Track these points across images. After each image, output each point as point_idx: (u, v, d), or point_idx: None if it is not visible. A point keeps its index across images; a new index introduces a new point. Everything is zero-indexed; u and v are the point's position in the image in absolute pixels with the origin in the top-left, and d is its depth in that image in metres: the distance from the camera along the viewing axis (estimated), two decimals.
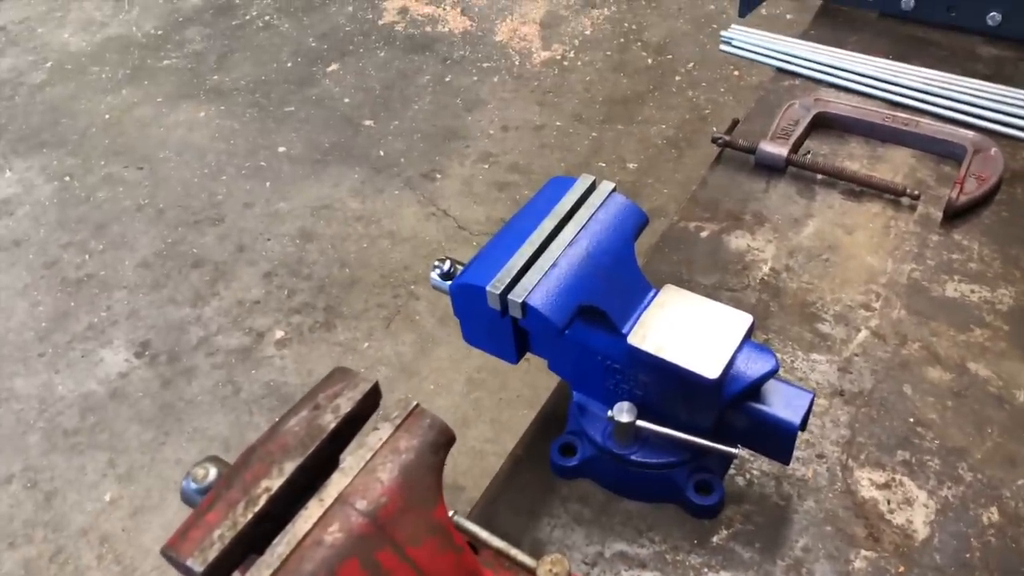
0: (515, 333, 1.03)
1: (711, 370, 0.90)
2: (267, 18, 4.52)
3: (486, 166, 3.58)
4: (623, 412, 0.97)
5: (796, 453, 1.07)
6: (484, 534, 0.86)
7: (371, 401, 0.78)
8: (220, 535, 0.67)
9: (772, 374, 0.93)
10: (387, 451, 0.73)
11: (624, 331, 0.96)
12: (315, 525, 0.68)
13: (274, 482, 0.71)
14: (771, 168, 1.46)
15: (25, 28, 4.58)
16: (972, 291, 1.26)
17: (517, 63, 4.12)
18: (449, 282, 1.04)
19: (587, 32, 4.28)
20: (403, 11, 4.51)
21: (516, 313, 0.93)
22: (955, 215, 1.35)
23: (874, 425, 1.11)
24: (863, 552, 0.99)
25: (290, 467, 0.71)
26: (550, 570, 0.80)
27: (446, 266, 1.08)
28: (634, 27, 4.29)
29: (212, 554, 0.66)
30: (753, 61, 1.72)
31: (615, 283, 0.98)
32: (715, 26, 4.20)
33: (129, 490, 2.57)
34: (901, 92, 1.56)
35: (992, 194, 1.38)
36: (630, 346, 0.94)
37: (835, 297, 1.26)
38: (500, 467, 1.10)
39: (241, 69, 4.18)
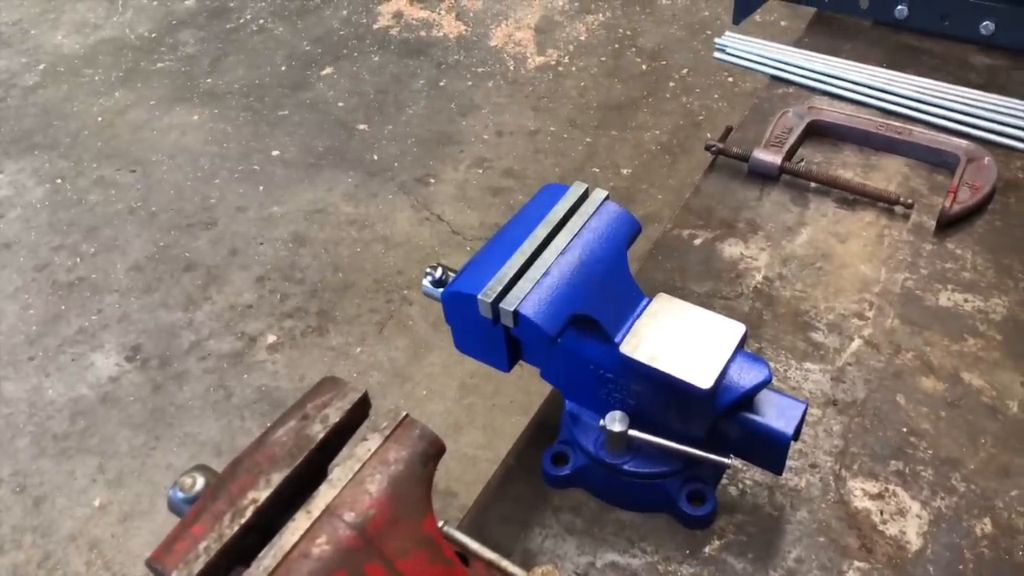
0: (507, 341, 1.02)
1: (704, 380, 0.90)
2: (261, 22, 4.51)
3: (480, 171, 3.58)
4: (615, 421, 0.97)
5: (789, 463, 1.07)
6: (474, 545, 0.85)
7: (360, 411, 0.77)
8: (206, 547, 0.66)
9: (765, 384, 0.93)
10: (376, 462, 0.72)
11: (617, 340, 0.95)
12: (302, 537, 0.67)
13: (261, 493, 0.70)
14: (765, 176, 1.45)
15: (18, 30, 4.57)
16: (966, 300, 1.26)
17: (512, 68, 4.12)
18: (441, 289, 1.03)
19: (582, 38, 4.28)
20: (397, 15, 4.50)
21: (508, 322, 0.92)
22: (948, 224, 1.35)
23: (867, 435, 1.10)
24: (856, 563, 0.98)
25: (277, 478, 0.71)
26: None
27: (438, 273, 1.07)
28: (628, 33, 4.30)
29: (197, 567, 0.65)
30: (747, 69, 1.72)
31: (608, 292, 0.97)
32: (709, 32, 4.21)
33: (119, 495, 2.56)
34: (895, 101, 1.56)
35: (985, 203, 1.38)
36: (623, 355, 0.94)
37: (828, 306, 1.26)
38: (491, 476, 1.10)
39: (235, 72, 4.17)
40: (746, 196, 1.44)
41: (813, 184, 1.44)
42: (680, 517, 1.01)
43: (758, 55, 1.71)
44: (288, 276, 3.18)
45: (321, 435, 0.73)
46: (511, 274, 0.94)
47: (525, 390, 2.73)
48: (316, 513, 0.69)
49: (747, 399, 0.94)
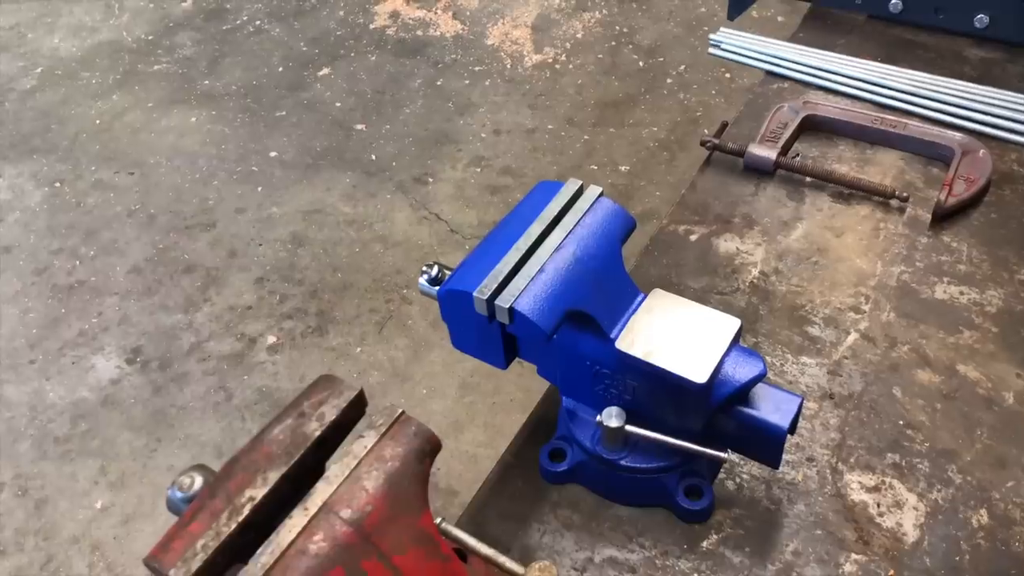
0: (503, 339, 1.02)
1: (699, 375, 0.90)
2: (258, 23, 4.51)
3: (478, 169, 3.58)
4: (612, 417, 0.97)
5: (786, 457, 1.07)
6: (472, 541, 0.85)
7: (356, 409, 0.77)
8: (203, 545, 0.67)
9: (760, 378, 0.93)
10: (372, 459, 0.72)
11: (612, 336, 0.96)
12: (299, 534, 0.68)
13: (258, 491, 0.70)
14: (760, 171, 1.46)
15: (15, 34, 4.57)
16: (961, 293, 1.26)
17: (509, 66, 4.12)
18: (437, 287, 1.04)
19: (578, 35, 4.28)
20: (394, 15, 4.51)
21: (503, 319, 0.92)
22: (944, 217, 1.35)
23: (864, 428, 1.10)
24: (853, 555, 0.98)
25: (274, 476, 0.71)
26: None
27: (434, 271, 1.07)
28: (625, 30, 4.30)
29: (195, 564, 0.66)
30: (742, 64, 1.72)
31: (603, 288, 0.98)
32: (706, 29, 4.20)
33: (120, 497, 2.56)
34: (889, 94, 1.56)
35: (981, 196, 1.38)
36: (618, 351, 0.94)
37: (824, 300, 1.26)
38: (489, 473, 1.10)
39: (232, 74, 4.17)
40: (742, 191, 1.44)
41: (808, 179, 1.44)
42: (678, 511, 1.02)
43: (753, 50, 1.71)
44: (287, 277, 3.18)
45: (317, 433, 0.74)
46: (506, 271, 0.94)
47: (525, 388, 2.74)
48: (313, 510, 0.69)
49: (743, 393, 0.94)
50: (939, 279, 1.28)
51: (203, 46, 4.38)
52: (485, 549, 0.85)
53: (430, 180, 3.54)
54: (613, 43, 4.22)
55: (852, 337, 1.21)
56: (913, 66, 1.62)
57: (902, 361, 1.18)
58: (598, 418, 0.98)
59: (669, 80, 3.98)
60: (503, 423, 2.69)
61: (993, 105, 1.51)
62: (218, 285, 3.17)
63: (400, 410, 0.76)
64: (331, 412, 0.75)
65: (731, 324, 0.95)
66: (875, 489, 1.04)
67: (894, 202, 1.39)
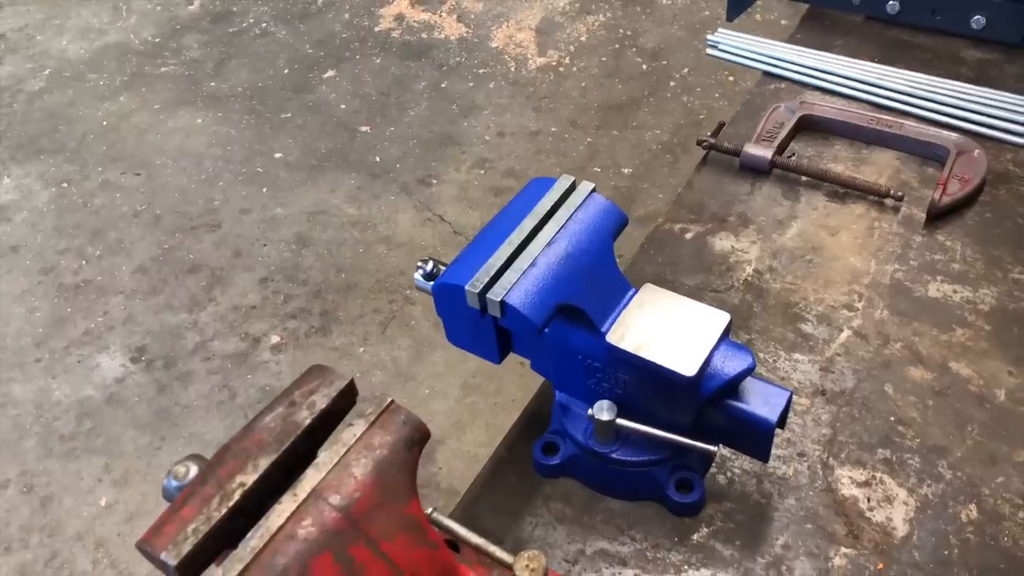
0: (497, 333, 1.03)
1: (688, 368, 0.91)
2: (264, 25, 4.54)
3: (482, 171, 3.60)
4: (603, 410, 0.98)
5: (777, 452, 1.08)
6: (463, 531, 0.86)
7: (347, 398, 0.78)
8: (194, 529, 0.68)
9: (749, 372, 0.94)
10: (361, 447, 0.74)
11: (603, 330, 0.97)
12: (288, 519, 0.69)
13: (248, 477, 0.71)
14: (756, 170, 1.47)
15: (24, 36, 4.61)
16: (955, 291, 1.27)
17: (513, 69, 4.14)
18: (432, 282, 1.05)
19: (582, 38, 4.30)
20: (399, 18, 4.53)
21: (495, 312, 0.93)
22: (938, 216, 1.36)
23: (855, 424, 1.11)
24: (843, 549, 0.99)
25: (265, 463, 0.72)
26: (527, 566, 0.81)
27: (429, 267, 1.09)
28: (629, 33, 4.31)
29: (186, 548, 0.67)
30: (739, 65, 1.73)
31: (594, 282, 0.99)
32: (710, 32, 4.21)
33: (125, 495, 2.58)
34: (886, 95, 1.57)
35: (975, 195, 1.39)
36: (609, 345, 0.95)
37: (818, 297, 1.27)
38: (483, 467, 1.11)
39: (238, 76, 4.20)
40: (737, 190, 1.45)
41: (804, 178, 1.45)
42: (669, 505, 1.03)
43: (750, 51, 1.72)
44: (291, 277, 3.20)
45: (308, 421, 0.75)
46: (498, 265, 0.95)
47: (527, 388, 2.74)
48: (302, 496, 0.70)
49: (732, 387, 0.95)
50: (933, 277, 1.29)
51: (209, 48, 4.41)
52: (475, 539, 0.86)
53: (434, 182, 3.56)
54: (617, 46, 4.24)
55: (845, 334, 1.22)
56: (910, 67, 1.63)
57: (894, 358, 1.18)
58: (589, 411, 0.99)
59: (672, 83, 3.99)
60: (504, 423, 2.69)
61: (989, 105, 1.51)
62: (223, 285, 3.19)
63: (390, 399, 0.77)
64: (322, 401, 0.76)
65: (721, 318, 0.96)
66: (866, 484, 1.05)
67: (889, 201, 1.40)
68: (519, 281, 0.94)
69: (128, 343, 3.00)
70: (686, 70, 4.04)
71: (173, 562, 0.67)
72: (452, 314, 1.04)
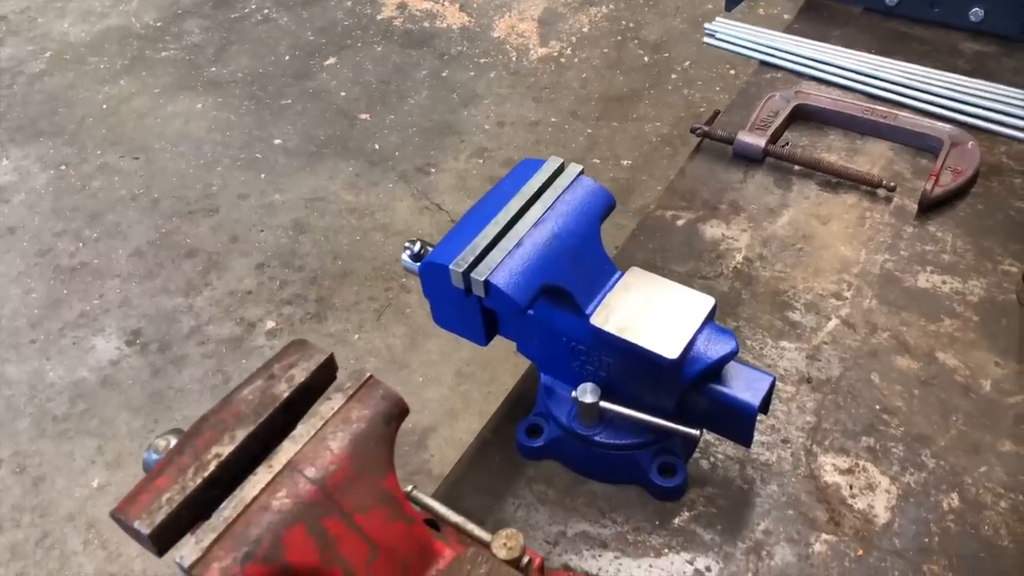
0: (482, 314, 1.03)
1: (671, 350, 0.91)
2: (266, 11, 4.53)
3: (481, 161, 3.59)
4: (587, 393, 0.98)
5: (761, 438, 1.08)
6: (441, 508, 0.86)
7: (326, 373, 0.78)
8: (168, 499, 0.68)
9: (732, 356, 0.94)
10: (338, 420, 0.74)
11: (588, 312, 0.97)
12: (263, 490, 0.69)
13: (225, 448, 0.71)
14: (749, 159, 1.46)
15: (25, 18, 4.60)
16: (944, 282, 1.26)
17: (514, 59, 4.13)
18: (419, 263, 1.05)
19: (585, 30, 4.28)
20: (402, 6, 4.52)
21: (479, 292, 0.93)
22: (930, 207, 1.36)
23: (840, 412, 1.11)
24: (823, 535, 0.99)
25: (242, 434, 0.72)
26: (504, 544, 0.81)
27: (416, 247, 1.09)
28: (631, 25, 4.30)
29: (159, 516, 0.67)
30: (736, 54, 1.72)
31: (580, 264, 0.99)
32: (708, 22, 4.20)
33: (117, 476, 2.58)
34: (881, 86, 1.56)
35: (968, 187, 1.38)
36: (593, 327, 0.95)
37: (807, 286, 1.27)
38: (467, 448, 1.11)
39: (239, 62, 4.19)
40: (730, 178, 1.45)
41: (797, 167, 1.45)
42: (651, 489, 1.03)
43: (747, 40, 1.72)
44: (288, 263, 3.20)
45: (286, 394, 0.75)
46: (484, 245, 0.95)
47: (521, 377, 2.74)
48: (278, 468, 0.71)
49: (715, 370, 0.95)
50: (923, 268, 1.28)
51: (211, 33, 4.40)
52: (454, 516, 0.86)
53: (432, 170, 3.55)
54: (619, 38, 4.22)
55: (833, 323, 1.22)
56: (907, 59, 1.62)
57: (881, 347, 1.18)
58: (573, 394, 0.99)
59: (674, 76, 3.98)
60: None
61: (985, 98, 1.51)
62: (219, 270, 3.19)
63: (368, 374, 0.77)
64: (301, 375, 0.76)
65: (705, 302, 0.96)
66: (849, 471, 1.05)
67: (881, 191, 1.39)
68: (504, 261, 0.93)
69: (123, 326, 3.00)
70: (688, 63, 4.03)
71: (146, 531, 0.67)
72: (438, 295, 1.04)
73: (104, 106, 3.96)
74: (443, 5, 4.50)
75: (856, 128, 1.51)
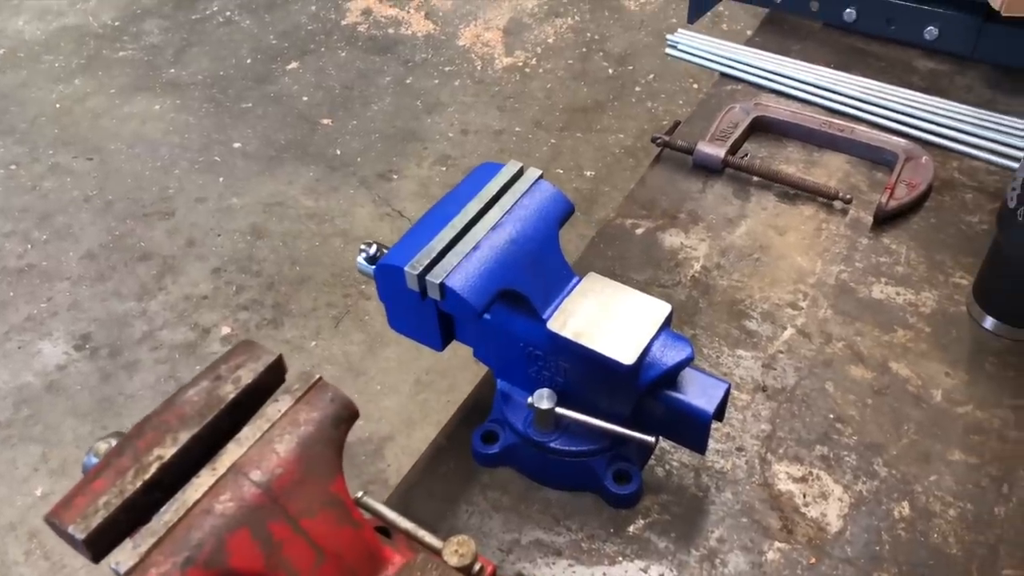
0: (439, 318, 1.02)
1: (627, 356, 0.91)
2: (228, 14, 4.48)
3: (444, 168, 3.58)
4: (543, 399, 0.97)
5: (716, 446, 1.08)
6: (391, 515, 0.84)
7: (275, 374, 0.76)
8: (105, 502, 0.66)
9: (688, 362, 0.94)
10: (286, 423, 0.72)
11: (545, 317, 0.96)
12: (206, 494, 0.67)
13: (167, 451, 0.69)
14: (708, 169, 1.47)
15: None
16: (897, 293, 1.28)
17: (479, 68, 4.13)
18: (374, 266, 1.03)
19: (550, 40, 4.30)
20: (366, 12, 4.50)
21: (434, 295, 0.92)
22: (885, 220, 1.38)
23: (795, 420, 1.12)
24: (776, 544, 0.99)
25: (185, 436, 0.70)
26: (456, 551, 0.79)
27: (372, 250, 1.07)
28: (596, 37, 4.33)
29: (95, 521, 0.64)
30: (697, 65, 1.74)
31: (538, 269, 0.98)
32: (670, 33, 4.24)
33: (61, 485, 2.51)
34: (839, 100, 1.59)
35: (921, 201, 1.41)
36: (550, 332, 0.94)
37: (764, 296, 1.27)
38: (420, 455, 1.09)
39: (199, 64, 4.13)
40: (689, 188, 1.46)
41: (756, 178, 1.46)
42: (606, 496, 1.02)
43: (709, 52, 1.73)
44: (245, 268, 3.15)
45: (232, 395, 0.73)
46: (440, 247, 0.94)
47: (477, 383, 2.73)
48: (222, 470, 0.68)
49: (670, 377, 0.94)
50: (877, 279, 1.30)
51: (171, 34, 4.33)
52: (404, 523, 0.84)
53: (394, 177, 3.53)
54: (584, 49, 4.25)
55: (788, 332, 1.22)
56: (864, 74, 1.65)
57: (836, 357, 1.19)
58: (529, 400, 0.98)
59: (638, 88, 4.01)
60: None
61: (938, 114, 1.54)
62: (174, 274, 3.13)
63: (318, 376, 0.75)
64: (247, 376, 0.74)
65: (662, 309, 0.96)
66: (802, 480, 1.05)
67: (837, 203, 1.41)
68: (460, 264, 0.92)
69: (72, 330, 2.92)
70: (651, 76, 4.07)
71: (81, 536, 0.64)
72: (394, 298, 1.02)
73: (58, 105, 3.88)
74: (408, 12, 4.49)
75: (814, 141, 1.53)
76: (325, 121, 3.80)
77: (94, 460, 0.75)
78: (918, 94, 1.59)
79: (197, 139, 3.70)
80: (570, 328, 0.94)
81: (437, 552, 0.81)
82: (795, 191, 1.44)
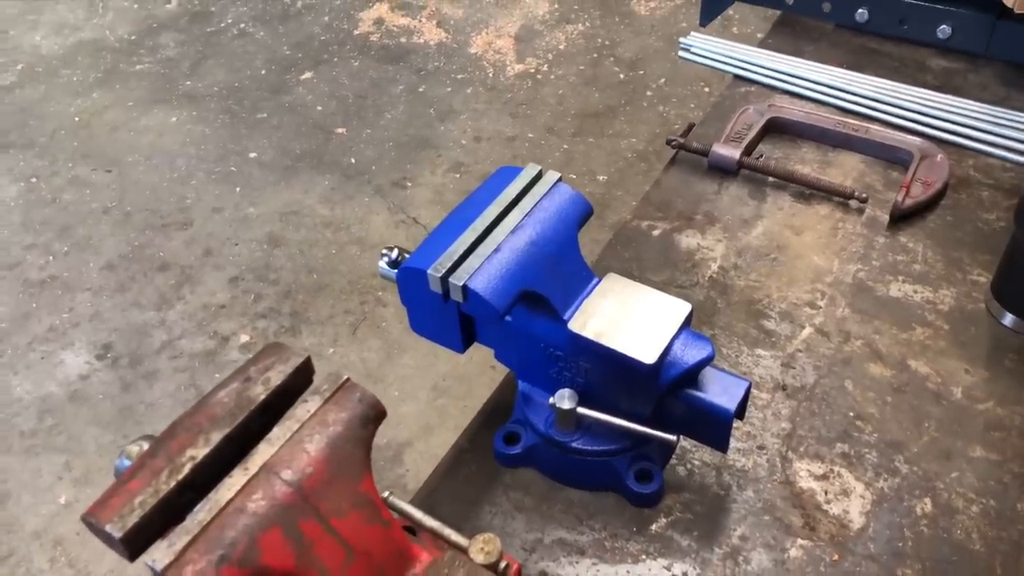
0: (460, 320, 1.03)
1: (648, 355, 0.92)
2: (242, 26, 4.52)
3: (457, 175, 3.60)
4: (564, 399, 0.98)
5: (737, 444, 1.09)
6: (418, 514, 0.86)
7: (303, 375, 0.78)
8: (141, 502, 0.67)
9: (708, 361, 0.94)
10: (315, 423, 0.73)
11: (566, 317, 0.97)
12: (238, 493, 0.68)
13: (200, 451, 0.70)
14: (724, 170, 1.48)
15: None
16: (915, 291, 1.28)
17: (491, 75, 4.15)
18: (396, 270, 1.05)
19: (561, 46, 4.32)
20: (379, 22, 4.53)
21: (457, 297, 0.93)
22: (901, 218, 1.38)
23: (815, 418, 1.12)
24: (799, 541, 1.00)
25: (216, 437, 0.71)
26: (482, 548, 0.81)
27: (394, 254, 1.08)
28: (607, 43, 4.34)
29: (132, 520, 0.66)
30: (710, 68, 1.75)
31: (558, 270, 0.99)
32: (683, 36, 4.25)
33: (85, 493, 2.54)
34: (853, 100, 1.59)
35: (937, 199, 1.41)
36: (571, 332, 0.95)
37: (781, 295, 1.28)
38: (443, 457, 1.10)
39: (214, 75, 4.18)
40: (705, 189, 1.46)
41: (771, 179, 1.47)
42: (628, 495, 1.03)
43: (722, 55, 1.74)
44: (262, 277, 3.18)
45: (262, 396, 0.74)
46: (462, 250, 0.95)
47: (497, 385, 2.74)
48: (254, 470, 0.70)
49: (691, 376, 0.95)
50: (894, 277, 1.30)
51: (186, 47, 4.38)
52: (431, 522, 0.85)
53: (409, 184, 3.55)
54: (595, 55, 4.26)
55: (807, 331, 1.23)
56: (878, 73, 1.65)
57: (855, 355, 1.19)
58: (551, 400, 0.99)
59: (649, 92, 4.02)
60: None
61: (952, 112, 1.54)
62: (192, 283, 3.16)
63: (346, 376, 0.76)
64: (277, 377, 0.75)
65: (682, 308, 0.96)
66: (823, 477, 1.06)
67: (853, 203, 1.41)
68: (482, 266, 0.93)
69: (93, 340, 2.96)
70: (663, 80, 4.08)
71: (118, 534, 0.66)
72: (416, 301, 1.04)
73: (76, 119, 3.92)
74: (420, 21, 4.52)
75: (828, 141, 1.53)
76: (339, 130, 3.83)
77: (126, 463, 0.76)
78: (932, 92, 1.59)
79: (213, 150, 3.74)
80: (591, 328, 0.95)
81: (463, 550, 0.82)
82: (811, 191, 1.44)
